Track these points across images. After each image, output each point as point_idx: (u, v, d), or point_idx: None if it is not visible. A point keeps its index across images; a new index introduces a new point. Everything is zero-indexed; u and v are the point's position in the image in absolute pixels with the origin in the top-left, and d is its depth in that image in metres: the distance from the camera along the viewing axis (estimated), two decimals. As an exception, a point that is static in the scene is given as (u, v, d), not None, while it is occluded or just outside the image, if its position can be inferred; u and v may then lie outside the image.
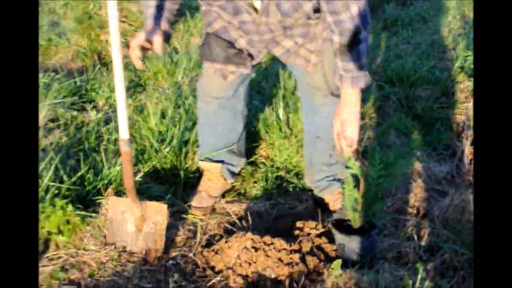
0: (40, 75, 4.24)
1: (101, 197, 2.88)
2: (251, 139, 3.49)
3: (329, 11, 2.39)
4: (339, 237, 2.63)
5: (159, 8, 2.65)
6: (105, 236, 2.71)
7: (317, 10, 2.54)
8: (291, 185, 3.28)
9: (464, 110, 4.13)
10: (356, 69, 2.48)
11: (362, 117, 3.91)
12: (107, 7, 2.33)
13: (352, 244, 2.59)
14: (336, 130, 2.58)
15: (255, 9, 2.52)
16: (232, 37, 2.76)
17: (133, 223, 2.70)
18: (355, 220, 2.63)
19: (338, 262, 2.49)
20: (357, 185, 2.59)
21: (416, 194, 3.12)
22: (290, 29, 2.65)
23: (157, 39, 2.56)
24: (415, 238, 2.75)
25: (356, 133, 2.57)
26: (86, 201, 2.87)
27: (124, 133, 2.56)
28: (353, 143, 2.58)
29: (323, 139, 2.97)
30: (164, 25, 2.65)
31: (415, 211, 3.00)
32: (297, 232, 2.80)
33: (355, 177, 2.58)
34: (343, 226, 2.66)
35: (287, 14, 2.50)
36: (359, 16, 2.38)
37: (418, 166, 3.39)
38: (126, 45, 5.01)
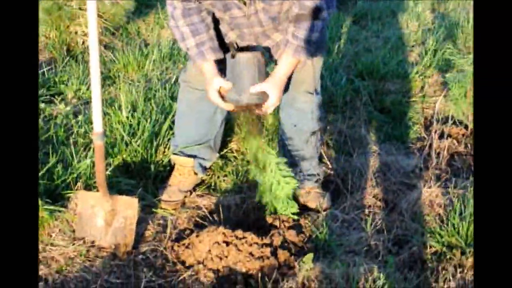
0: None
1: (70, 191, 2.85)
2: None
3: None
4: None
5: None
6: (73, 231, 2.69)
7: None
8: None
9: (433, 104, 4.18)
10: (303, 40, 2.57)
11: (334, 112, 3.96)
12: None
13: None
14: (262, 88, 2.64)
15: (244, 3, 2.55)
16: (223, 31, 2.79)
17: (103, 218, 2.68)
18: None
19: (310, 256, 2.51)
20: None
21: (385, 188, 3.15)
22: (279, 23, 2.69)
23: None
24: (384, 231, 2.78)
25: (278, 101, 2.68)
26: (54, 195, 2.84)
27: (98, 127, 2.55)
28: (270, 109, 2.70)
29: (300, 131, 3.01)
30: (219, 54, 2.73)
31: (384, 205, 3.03)
32: (267, 225, 2.81)
33: None
34: None
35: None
36: None
37: (386, 159, 3.42)
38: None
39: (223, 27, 2.79)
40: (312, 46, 2.63)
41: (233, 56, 2.64)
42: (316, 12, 2.52)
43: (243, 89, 2.62)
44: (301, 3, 2.51)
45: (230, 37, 2.80)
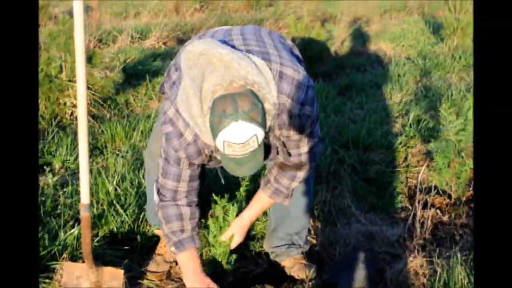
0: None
1: (55, 263, 2.85)
2: (206, 199, 3.50)
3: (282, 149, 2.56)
4: None
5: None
6: (58, 303, 2.68)
7: None
8: (248, 249, 3.29)
9: (416, 174, 4.24)
10: (284, 186, 2.69)
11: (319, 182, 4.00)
12: (76, 73, 2.39)
13: None
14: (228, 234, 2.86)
15: None
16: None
17: (88, 289, 2.68)
18: None
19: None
20: None
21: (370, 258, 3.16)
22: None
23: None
24: (370, 302, 2.79)
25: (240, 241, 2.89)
26: (40, 266, 2.84)
27: (85, 198, 2.58)
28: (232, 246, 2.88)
29: (294, 215, 3.04)
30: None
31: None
32: (254, 296, 2.82)
33: None
34: None
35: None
36: (308, 152, 2.57)
37: (371, 229, 3.45)
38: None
39: None
40: (291, 192, 2.76)
41: None
42: (300, 166, 2.62)
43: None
44: (286, 157, 2.58)
45: None
